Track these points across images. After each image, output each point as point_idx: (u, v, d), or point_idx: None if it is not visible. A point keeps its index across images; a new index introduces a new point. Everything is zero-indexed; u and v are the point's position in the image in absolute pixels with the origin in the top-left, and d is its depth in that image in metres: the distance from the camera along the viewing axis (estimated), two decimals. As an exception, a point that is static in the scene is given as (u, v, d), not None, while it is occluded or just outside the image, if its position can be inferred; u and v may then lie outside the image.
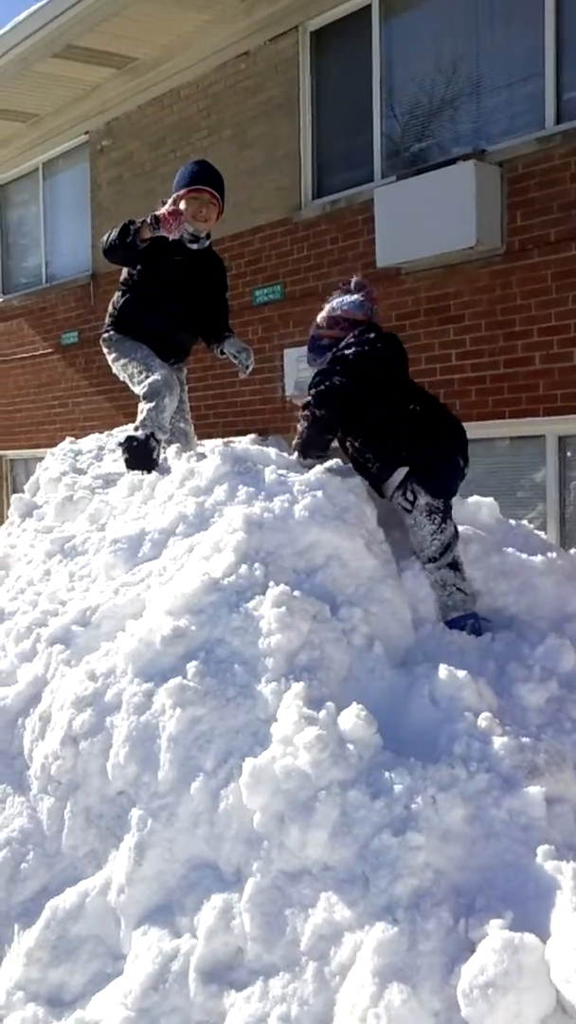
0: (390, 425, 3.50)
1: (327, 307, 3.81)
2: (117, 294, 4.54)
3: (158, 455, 4.14)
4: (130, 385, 4.47)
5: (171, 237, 4.21)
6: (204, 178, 4.38)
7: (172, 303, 4.39)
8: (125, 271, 4.50)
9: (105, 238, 4.31)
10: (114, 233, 4.25)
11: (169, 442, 4.33)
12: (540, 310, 6.50)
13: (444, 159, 6.91)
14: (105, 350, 4.52)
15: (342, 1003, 2.16)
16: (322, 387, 3.54)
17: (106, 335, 4.51)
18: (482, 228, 6.56)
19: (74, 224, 10.88)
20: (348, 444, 3.63)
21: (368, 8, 7.63)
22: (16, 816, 2.95)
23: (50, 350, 11.23)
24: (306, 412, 3.60)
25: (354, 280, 3.87)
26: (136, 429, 4.22)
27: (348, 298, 3.77)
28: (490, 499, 4.05)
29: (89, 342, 10.29)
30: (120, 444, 4.32)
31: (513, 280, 6.65)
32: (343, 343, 3.66)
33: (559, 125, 6.46)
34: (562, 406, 6.41)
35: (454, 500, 3.55)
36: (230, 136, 8.71)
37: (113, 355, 4.47)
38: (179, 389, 4.36)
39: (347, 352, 3.61)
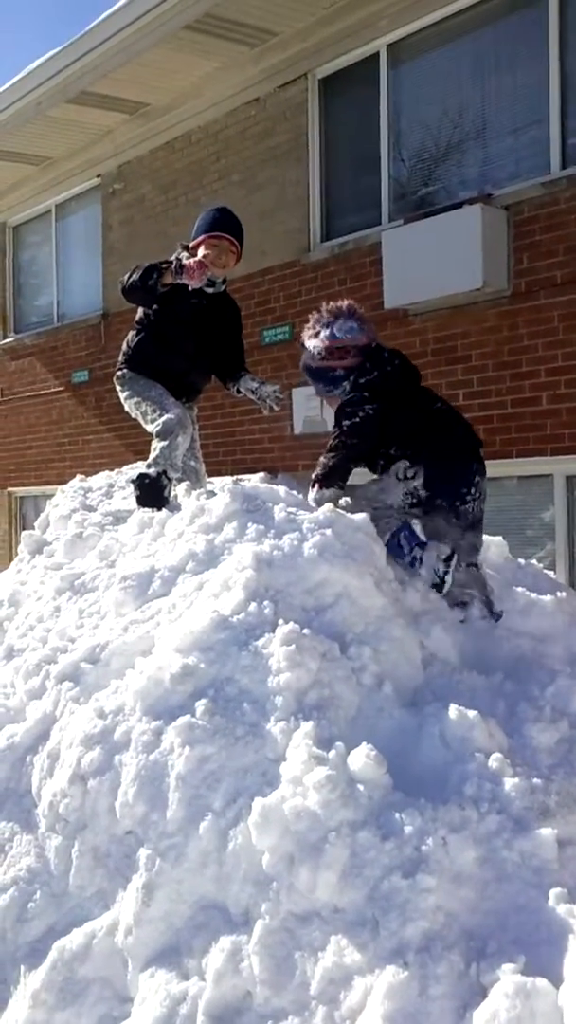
0: (417, 424, 3.65)
1: (322, 336, 3.78)
2: (132, 333, 4.59)
3: (169, 493, 4.17)
4: (142, 423, 4.51)
5: (192, 287, 4.26)
6: (224, 225, 4.46)
7: (187, 343, 4.45)
8: (141, 311, 4.55)
9: (126, 277, 4.34)
10: (136, 275, 4.28)
11: (180, 480, 4.36)
12: (547, 351, 6.56)
13: (451, 203, 7.02)
14: (118, 387, 4.56)
15: (352, 1049, 2.13)
16: (357, 418, 3.62)
17: (119, 372, 4.55)
18: (489, 270, 6.64)
19: (86, 265, 11.04)
20: (380, 456, 3.70)
21: (376, 56, 7.79)
22: (24, 855, 2.92)
23: (61, 388, 11.33)
24: (335, 441, 3.66)
25: (346, 304, 3.87)
26: (148, 466, 4.25)
27: (345, 324, 3.78)
28: (499, 538, 4.06)
29: (99, 380, 10.41)
30: (131, 481, 4.34)
31: (520, 321, 6.72)
32: (361, 370, 3.72)
33: (565, 170, 6.57)
34: (569, 446, 6.45)
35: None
36: (240, 180, 8.85)
37: (126, 393, 4.51)
38: (192, 428, 4.39)
39: (373, 379, 3.69)
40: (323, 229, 8.31)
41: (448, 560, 3.50)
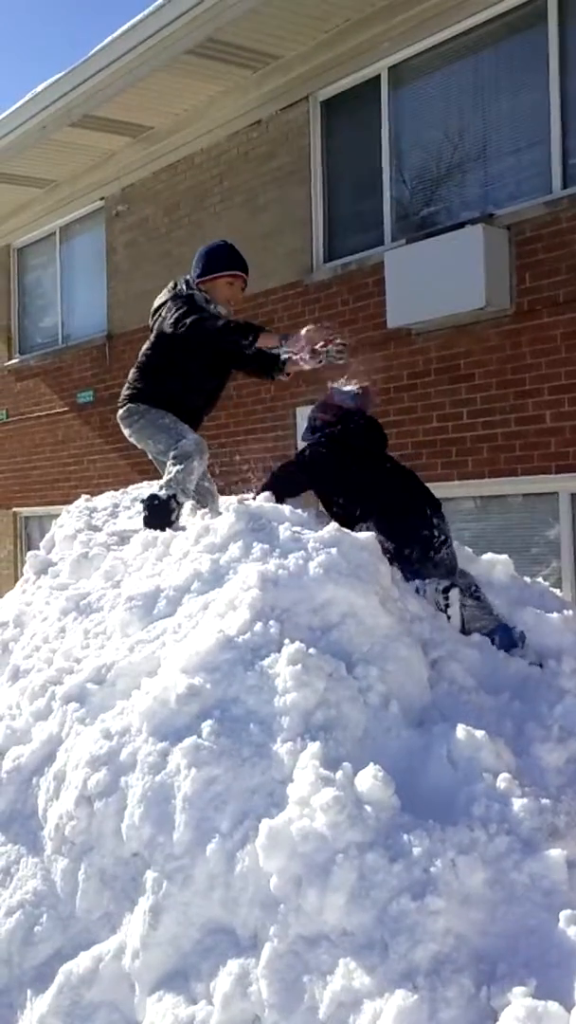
0: (369, 484, 3.92)
1: (326, 399, 4.20)
2: (140, 372, 4.53)
3: (177, 517, 4.17)
4: (150, 449, 4.52)
5: (298, 361, 4.27)
6: (241, 264, 4.52)
7: (208, 381, 4.51)
8: (155, 349, 4.47)
9: (234, 335, 4.20)
10: (233, 337, 4.19)
11: (197, 502, 4.37)
12: (550, 369, 6.58)
13: (453, 223, 7.06)
14: (126, 417, 4.53)
15: (362, 1074, 2.11)
16: (304, 454, 4.11)
17: (128, 407, 4.52)
18: (491, 289, 6.67)
19: (90, 286, 11.10)
20: (334, 504, 3.97)
21: (377, 78, 7.86)
22: (30, 878, 2.91)
23: (66, 409, 11.37)
24: (281, 470, 4.09)
25: (359, 388, 4.23)
26: (160, 488, 4.26)
27: (345, 388, 4.17)
28: (504, 556, 4.06)
29: (104, 401, 10.43)
30: (141, 501, 4.34)
31: (523, 340, 6.74)
32: (331, 424, 4.09)
33: (566, 189, 6.60)
34: (574, 463, 6.44)
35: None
36: (242, 202, 8.91)
37: (139, 422, 4.47)
38: (207, 454, 4.38)
39: (335, 431, 4.06)
40: (326, 250, 8.35)
41: (447, 591, 3.62)
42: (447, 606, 3.61)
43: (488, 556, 4.02)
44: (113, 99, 8.85)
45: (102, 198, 10.72)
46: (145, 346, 4.60)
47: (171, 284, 4.59)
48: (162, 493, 4.21)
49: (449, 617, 3.59)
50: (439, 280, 6.81)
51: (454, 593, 3.64)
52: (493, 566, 3.95)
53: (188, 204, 9.54)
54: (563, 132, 6.63)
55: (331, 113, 8.32)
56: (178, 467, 4.24)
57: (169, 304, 4.45)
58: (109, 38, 8.29)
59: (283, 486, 3.96)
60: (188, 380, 4.44)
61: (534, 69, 6.79)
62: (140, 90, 8.67)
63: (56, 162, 10.45)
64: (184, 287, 4.49)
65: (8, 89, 40.93)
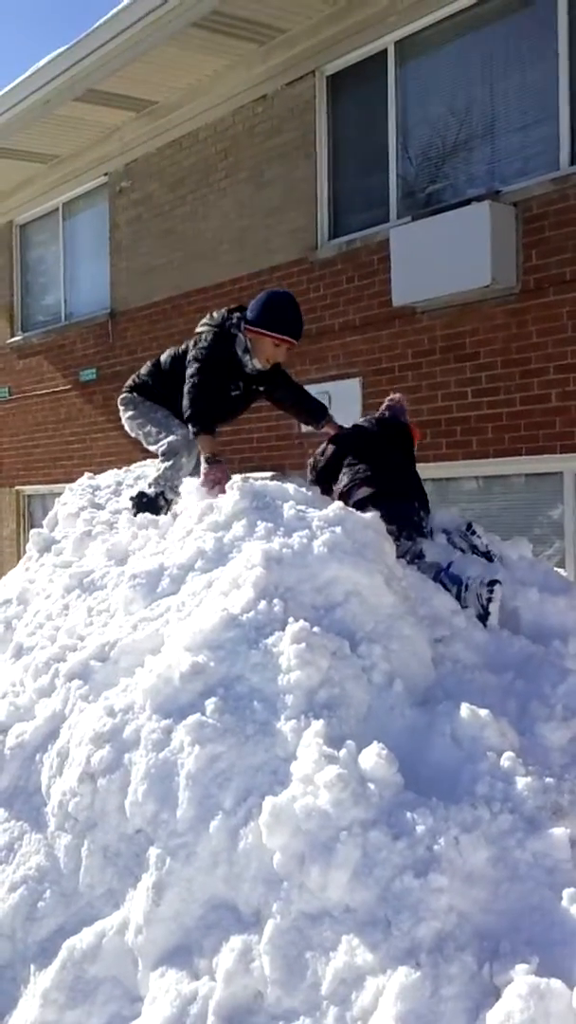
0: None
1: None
2: (163, 378, 4.45)
3: (166, 512, 4.15)
4: (142, 440, 4.53)
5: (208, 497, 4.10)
6: (298, 332, 4.28)
7: (225, 419, 4.44)
8: (180, 372, 4.28)
9: (190, 415, 4.12)
10: (192, 422, 4.11)
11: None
12: (556, 348, 6.53)
13: (459, 200, 6.98)
14: (124, 404, 4.56)
15: (364, 1050, 2.12)
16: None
17: (127, 395, 4.55)
18: (497, 267, 6.61)
19: (93, 263, 11.03)
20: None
21: (384, 53, 7.76)
22: (33, 854, 2.92)
23: (68, 387, 11.33)
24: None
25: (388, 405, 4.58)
26: (149, 486, 4.26)
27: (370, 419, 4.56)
28: (522, 538, 4.15)
29: (107, 379, 10.39)
30: (131, 499, 4.34)
31: (529, 318, 6.69)
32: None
33: (574, 166, 6.53)
34: (579, 443, 6.42)
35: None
36: (247, 177, 8.83)
37: (131, 412, 4.51)
38: (196, 450, 4.25)
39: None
40: (331, 226, 8.28)
41: (491, 586, 3.56)
42: (489, 602, 3.52)
43: (497, 537, 4.11)
44: (117, 73, 8.76)
45: (106, 174, 10.64)
46: (173, 351, 4.45)
47: (225, 310, 4.36)
48: (150, 490, 4.21)
49: (489, 614, 3.51)
50: (445, 258, 6.76)
51: (497, 590, 3.54)
52: (504, 544, 4.02)
53: (192, 180, 9.47)
54: (572, 108, 6.55)
55: (337, 88, 8.22)
56: (166, 464, 4.23)
57: (206, 336, 4.24)
58: (114, 11, 8.18)
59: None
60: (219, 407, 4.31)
61: (543, 44, 6.70)
62: (144, 64, 8.58)
63: (59, 137, 10.35)
64: (233, 324, 4.25)
65: (11, 63, 40.59)
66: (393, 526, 3.70)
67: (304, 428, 8.25)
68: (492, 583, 3.58)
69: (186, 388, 4.11)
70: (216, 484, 3.86)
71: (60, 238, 11.63)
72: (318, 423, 4.75)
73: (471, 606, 3.56)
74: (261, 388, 4.50)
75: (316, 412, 4.75)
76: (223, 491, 3.68)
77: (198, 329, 4.36)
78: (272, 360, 4.29)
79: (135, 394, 4.52)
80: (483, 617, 3.52)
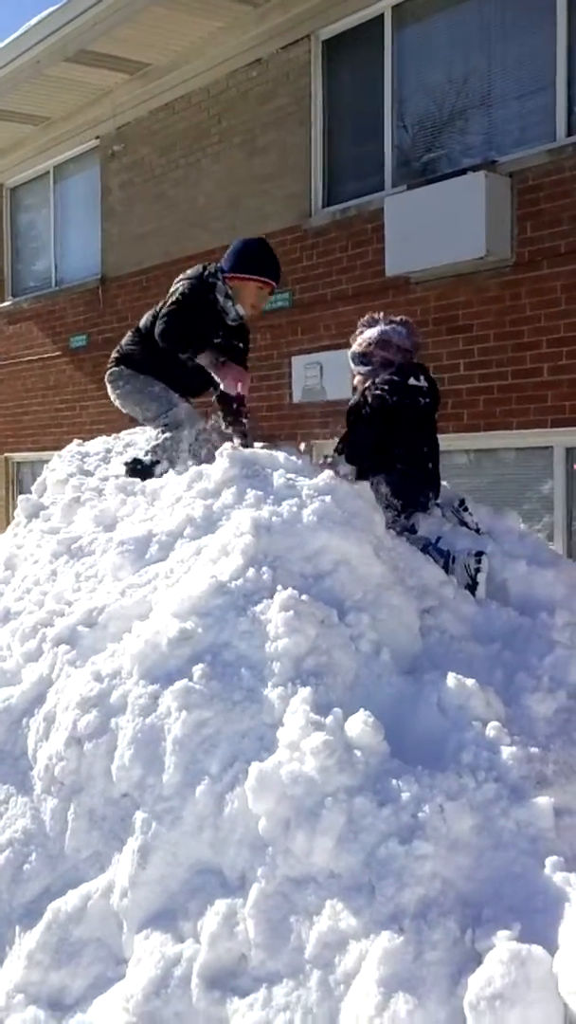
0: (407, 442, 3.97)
1: (376, 331, 4.14)
2: (131, 344, 4.43)
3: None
4: (138, 415, 4.44)
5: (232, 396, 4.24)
6: (277, 274, 4.30)
7: (206, 372, 4.30)
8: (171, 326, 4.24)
9: (166, 331, 4.12)
10: (170, 331, 4.09)
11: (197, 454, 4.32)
12: (549, 321, 6.51)
13: (455, 169, 6.93)
14: (112, 381, 4.44)
15: (346, 1012, 2.14)
16: (366, 407, 3.95)
17: (116, 369, 4.42)
18: (492, 239, 6.57)
19: (84, 228, 10.91)
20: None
21: (381, 18, 7.66)
22: (19, 817, 2.92)
23: (58, 353, 11.24)
24: (351, 430, 3.99)
25: (402, 319, 4.27)
26: (145, 453, 4.21)
27: (400, 328, 4.17)
28: (514, 512, 4.17)
29: (97, 346, 10.31)
30: (124, 464, 4.30)
31: (522, 291, 6.66)
32: (403, 369, 4.06)
33: (570, 137, 6.48)
34: (570, 417, 6.41)
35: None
36: (240, 143, 8.73)
37: (125, 387, 4.39)
38: (200, 423, 4.28)
39: (398, 380, 4.01)
40: (325, 194, 8.20)
41: (479, 556, 3.60)
42: (477, 571, 3.57)
43: (488, 508, 4.16)
44: (109, 33, 8.62)
45: (97, 137, 10.50)
46: (151, 312, 4.39)
47: (200, 266, 4.35)
48: (146, 458, 4.17)
49: (476, 584, 3.54)
50: (439, 228, 6.71)
51: (485, 561, 3.59)
52: (493, 516, 4.03)
53: (185, 144, 9.35)
54: (569, 78, 6.49)
55: (333, 53, 8.11)
56: (167, 435, 4.19)
57: (182, 283, 4.24)
58: (106, -31, 8.05)
59: (361, 451, 3.93)
60: (186, 366, 4.26)
61: (541, 12, 6.62)
62: (137, 24, 8.44)
63: (50, 99, 10.21)
64: (211, 275, 4.24)
65: (1, 23, 39.87)
66: (399, 501, 3.77)
67: (296, 399, 8.23)
68: (479, 554, 3.60)
69: (159, 323, 4.12)
70: (239, 380, 4.11)
71: (51, 202, 11.50)
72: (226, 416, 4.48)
73: (459, 578, 3.56)
74: (241, 344, 4.46)
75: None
76: (247, 386, 4.06)
77: (173, 287, 4.31)
78: (256, 306, 4.33)
79: (123, 367, 4.42)
80: (471, 588, 3.53)
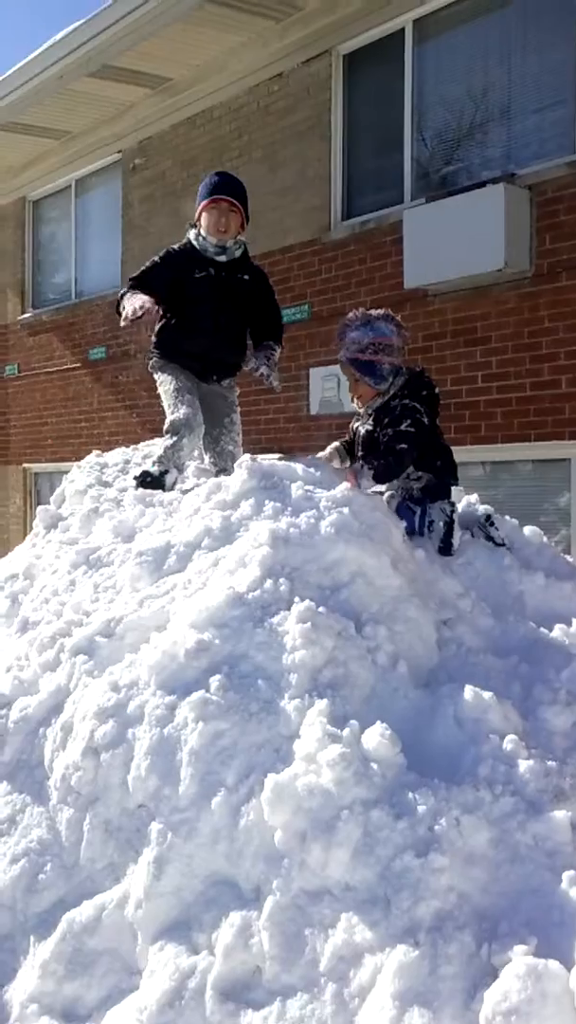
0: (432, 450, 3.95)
1: (374, 336, 3.98)
2: (160, 321, 4.49)
3: (172, 487, 4.14)
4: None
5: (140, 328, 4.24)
6: (222, 188, 4.35)
7: (204, 320, 4.33)
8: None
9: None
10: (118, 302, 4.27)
11: (215, 464, 4.36)
12: (568, 333, 6.50)
13: (474, 182, 6.95)
14: (151, 369, 4.55)
15: (361, 1026, 2.13)
16: (410, 431, 3.84)
17: (151, 360, 4.53)
18: (511, 251, 6.57)
19: (105, 241, 11.00)
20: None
21: (401, 32, 7.70)
22: (35, 826, 2.92)
23: (78, 365, 11.32)
24: (395, 445, 3.85)
25: (382, 310, 4.13)
26: (153, 464, 4.24)
27: (386, 326, 4.02)
28: (538, 529, 4.19)
29: (116, 358, 10.38)
30: (135, 478, 4.32)
31: (541, 303, 6.65)
32: (414, 382, 3.98)
33: (590, 150, 6.48)
34: (589, 430, 6.39)
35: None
36: (261, 156, 8.78)
37: (158, 379, 4.48)
38: (201, 429, 4.28)
39: (425, 397, 3.94)
40: (344, 207, 8.24)
41: (452, 513, 3.80)
42: (450, 528, 3.77)
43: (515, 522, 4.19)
44: (132, 49, 8.72)
45: (119, 151, 10.60)
46: None
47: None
48: (154, 469, 4.19)
49: (451, 547, 3.74)
50: (458, 240, 6.72)
51: (455, 516, 3.83)
52: (519, 528, 4.04)
53: (206, 158, 9.41)
54: (589, 91, 6.50)
55: (354, 67, 8.16)
56: (167, 442, 4.21)
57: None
58: (129, -15, 8.14)
59: (395, 474, 3.88)
60: (180, 323, 4.37)
61: (561, 26, 6.64)
62: (160, 40, 8.53)
63: (73, 113, 10.31)
64: (188, 229, 4.44)
65: (27, 38, 40.32)
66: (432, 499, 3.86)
67: (313, 411, 8.24)
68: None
69: None
70: (136, 313, 4.02)
71: (72, 215, 11.60)
72: (256, 349, 4.47)
73: (434, 538, 3.73)
74: (246, 276, 4.45)
75: (265, 334, 4.49)
76: (146, 315, 4.01)
77: None
78: (221, 227, 4.31)
79: (157, 357, 4.48)
80: (444, 549, 3.71)
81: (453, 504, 3.89)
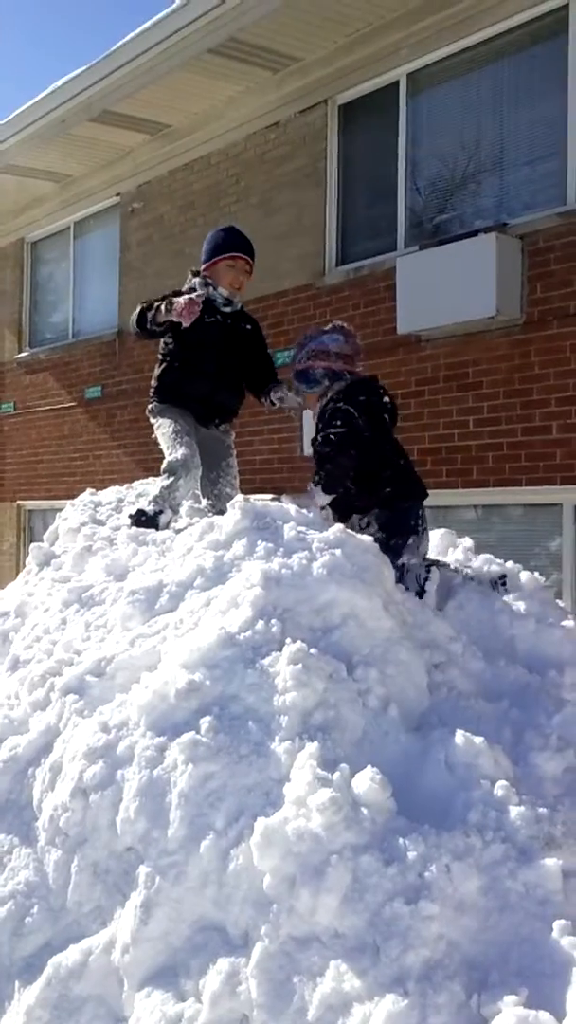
0: (376, 467, 3.87)
1: (311, 343, 4.06)
2: (157, 365, 4.63)
3: (167, 527, 4.17)
4: None
5: (184, 325, 4.31)
6: (239, 246, 4.55)
7: (208, 364, 4.47)
8: (162, 340, 4.59)
9: (132, 318, 4.49)
10: (134, 317, 4.43)
11: (213, 507, 4.39)
12: (559, 380, 6.57)
13: (466, 231, 7.06)
14: (151, 420, 4.63)
15: (349, 1077, 2.10)
16: (336, 433, 3.80)
17: (150, 406, 4.62)
18: (502, 298, 6.67)
19: (102, 282, 11.11)
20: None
21: (396, 84, 7.86)
22: (22, 868, 2.89)
23: (73, 403, 11.37)
24: (327, 450, 3.82)
25: (335, 322, 4.22)
26: (148, 503, 4.28)
27: (332, 335, 4.07)
28: (533, 574, 4.18)
29: (112, 397, 10.44)
30: (129, 516, 4.35)
31: (532, 350, 6.73)
32: (354, 387, 3.92)
33: (581, 201, 6.60)
34: (579, 475, 6.44)
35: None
36: (257, 202, 8.92)
37: (155, 424, 4.57)
38: (198, 471, 4.37)
39: (363, 402, 3.87)
40: (338, 254, 8.35)
41: (430, 568, 3.79)
42: (427, 580, 3.71)
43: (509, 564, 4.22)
44: (133, 95, 8.88)
45: (118, 194, 10.74)
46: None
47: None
48: (149, 508, 4.23)
49: (424, 592, 3.68)
50: (450, 287, 6.82)
51: (434, 571, 3.76)
52: (516, 574, 4.06)
53: (203, 203, 9.56)
54: (580, 144, 6.63)
55: (349, 117, 8.33)
56: (164, 483, 4.27)
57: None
58: (131, 34, 8.32)
59: (339, 479, 3.81)
60: (184, 367, 4.48)
61: (553, 80, 6.79)
62: (160, 87, 8.70)
63: (73, 157, 10.48)
64: (190, 277, 4.58)
65: (29, 84, 41.03)
66: (397, 539, 3.82)
67: (306, 452, 8.29)
68: (431, 566, 3.80)
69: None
70: (185, 308, 4.21)
71: (71, 256, 11.73)
72: (259, 399, 4.68)
73: (408, 584, 3.69)
74: (248, 326, 4.65)
75: (261, 387, 4.67)
76: (194, 309, 4.19)
77: None
78: (235, 284, 4.54)
79: (157, 402, 4.58)
80: (420, 594, 3.67)
81: (431, 568, 3.79)
